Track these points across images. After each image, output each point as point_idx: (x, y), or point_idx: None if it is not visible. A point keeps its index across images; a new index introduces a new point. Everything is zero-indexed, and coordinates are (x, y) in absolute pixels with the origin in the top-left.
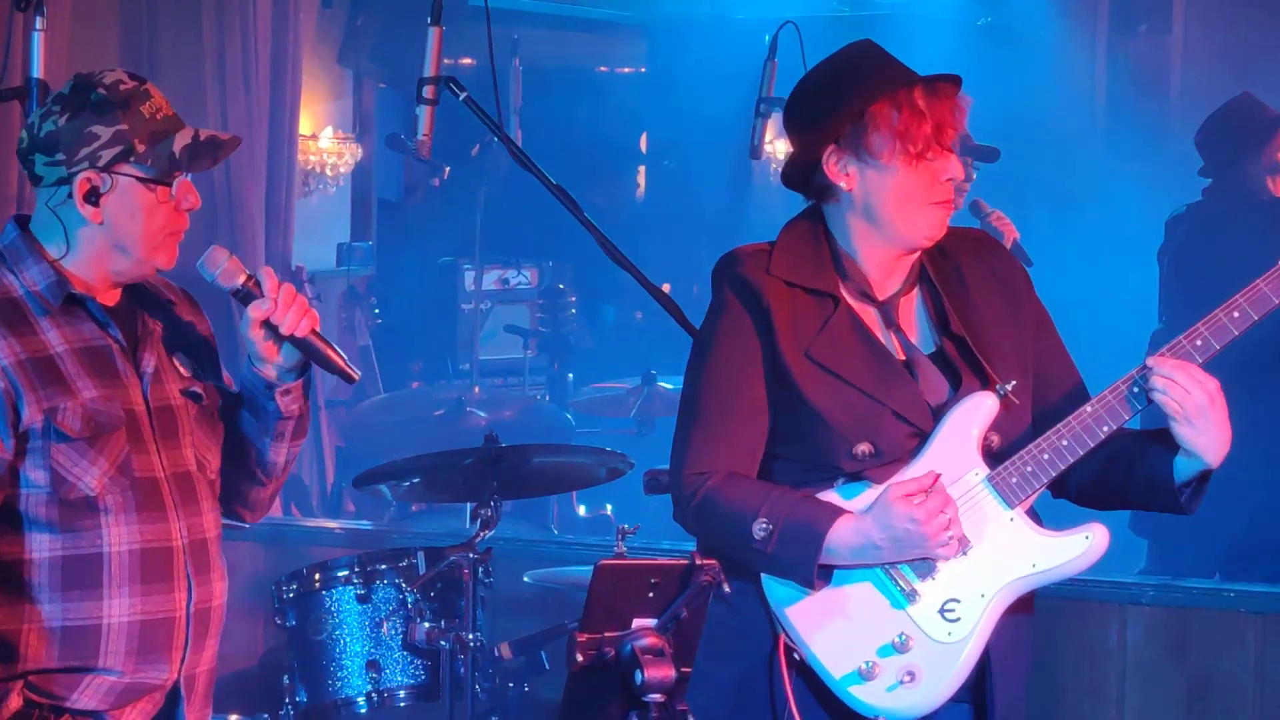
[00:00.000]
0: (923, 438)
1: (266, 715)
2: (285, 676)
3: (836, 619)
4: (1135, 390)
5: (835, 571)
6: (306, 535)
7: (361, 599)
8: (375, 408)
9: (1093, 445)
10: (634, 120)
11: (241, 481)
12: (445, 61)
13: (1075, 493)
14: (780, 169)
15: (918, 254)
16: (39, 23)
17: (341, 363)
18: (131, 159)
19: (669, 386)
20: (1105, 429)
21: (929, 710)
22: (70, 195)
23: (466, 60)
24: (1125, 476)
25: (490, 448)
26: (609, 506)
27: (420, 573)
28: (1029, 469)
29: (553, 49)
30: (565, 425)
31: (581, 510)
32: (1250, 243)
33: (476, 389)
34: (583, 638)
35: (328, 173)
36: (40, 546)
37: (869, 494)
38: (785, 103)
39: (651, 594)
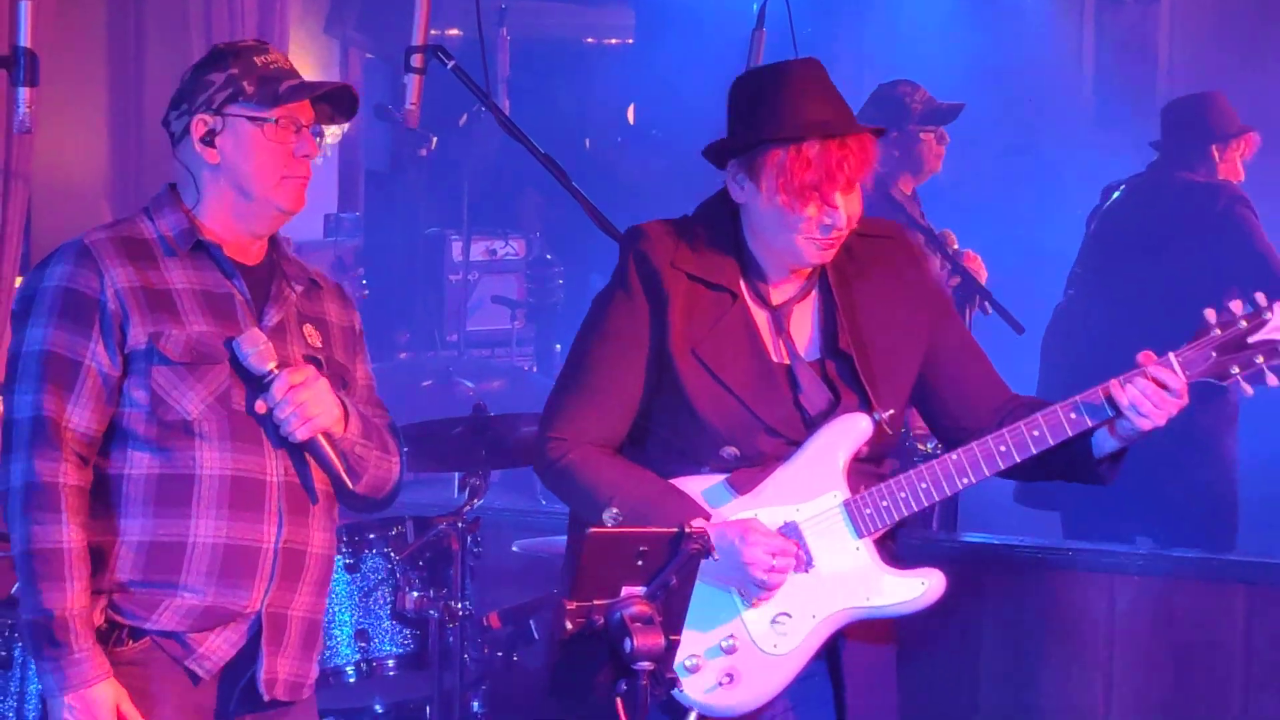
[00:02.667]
0: (794, 446)
1: None
2: None
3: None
4: (1002, 449)
5: None
6: None
7: (350, 568)
8: None
9: (949, 492)
10: (622, 92)
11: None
12: (432, 32)
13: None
14: None
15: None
16: None
17: (339, 469)
18: (240, 99)
19: None
20: (965, 480)
21: (741, 713)
22: (192, 141)
23: (453, 31)
24: (1041, 455)
25: (479, 417)
26: None
27: (409, 542)
28: (884, 504)
29: (540, 20)
30: None
31: None
32: (1175, 221)
33: (464, 359)
34: (572, 606)
35: None
36: (138, 463)
37: (732, 503)
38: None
39: (640, 562)
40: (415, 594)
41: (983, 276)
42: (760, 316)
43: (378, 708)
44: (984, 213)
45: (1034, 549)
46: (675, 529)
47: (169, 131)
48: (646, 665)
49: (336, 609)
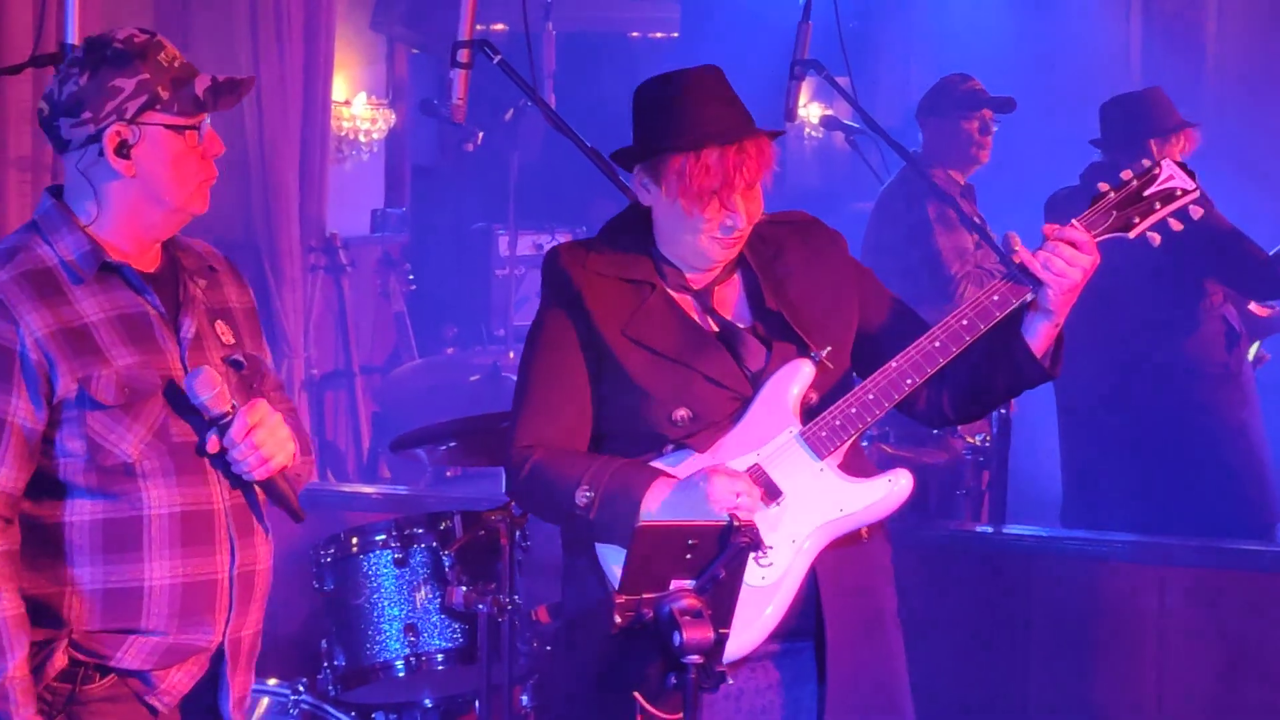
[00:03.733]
0: (743, 403)
1: (305, 679)
2: (323, 640)
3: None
4: (937, 344)
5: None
6: (343, 500)
7: (399, 563)
8: (410, 374)
9: (897, 398)
10: None
11: None
12: (477, 28)
13: (954, 413)
14: (813, 132)
15: None
16: None
17: (294, 504)
18: (158, 106)
19: None
20: (909, 382)
21: (745, 653)
22: (101, 153)
23: (498, 26)
24: (988, 371)
25: None
26: None
27: (457, 536)
28: (837, 423)
29: (585, 14)
30: None
31: None
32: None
33: (511, 354)
34: (621, 599)
35: (361, 139)
36: (80, 510)
37: (692, 461)
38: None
39: (689, 556)
40: (464, 588)
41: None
42: (685, 300)
43: (426, 702)
44: (1030, 204)
45: (1083, 540)
46: (723, 522)
47: (58, 138)
48: (695, 659)
49: (385, 603)
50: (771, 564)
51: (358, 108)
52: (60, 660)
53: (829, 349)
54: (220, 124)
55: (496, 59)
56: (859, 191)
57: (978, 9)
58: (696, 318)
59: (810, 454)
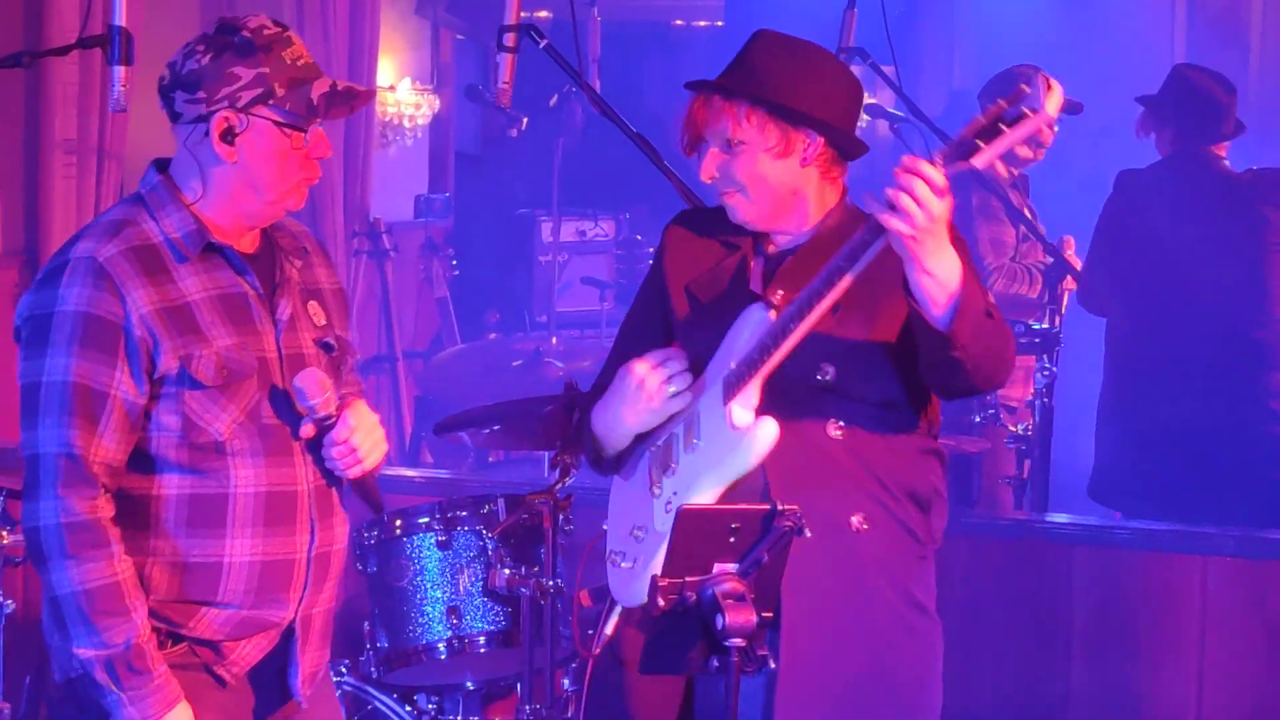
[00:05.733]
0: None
1: (347, 661)
2: (366, 622)
3: (617, 509)
4: (818, 283)
5: (627, 465)
6: (385, 483)
7: (442, 545)
8: (453, 358)
9: (785, 340)
10: (711, 73)
11: None
12: (521, 14)
13: (940, 390)
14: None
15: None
16: None
17: (376, 499)
18: (270, 102)
19: None
20: (793, 325)
21: (637, 602)
22: (207, 134)
23: (542, 14)
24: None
25: (570, 395)
26: None
27: (500, 520)
28: (739, 370)
29: (629, 1)
30: None
31: None
32: (1205, 214)
33: (554, 340)
34: (664, 582)
35: (405, 124)
36: (168, 485)
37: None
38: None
39: (733, 539)
40: (507, 571)
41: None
42: (756, 264)
43: (468, 684)
44: (1072, 198)
45: (1125, 530)
46: (767, 506)
47: (172, 108)
48: (738, 642)
49: (428, 586)
50: (671, 511)
51: (402, 93)
52: None
53: (780, 293)
54: None
55: (543, 43)
56: None
57: (1020, 2)
58: (753, 281)
59: (720, 398)
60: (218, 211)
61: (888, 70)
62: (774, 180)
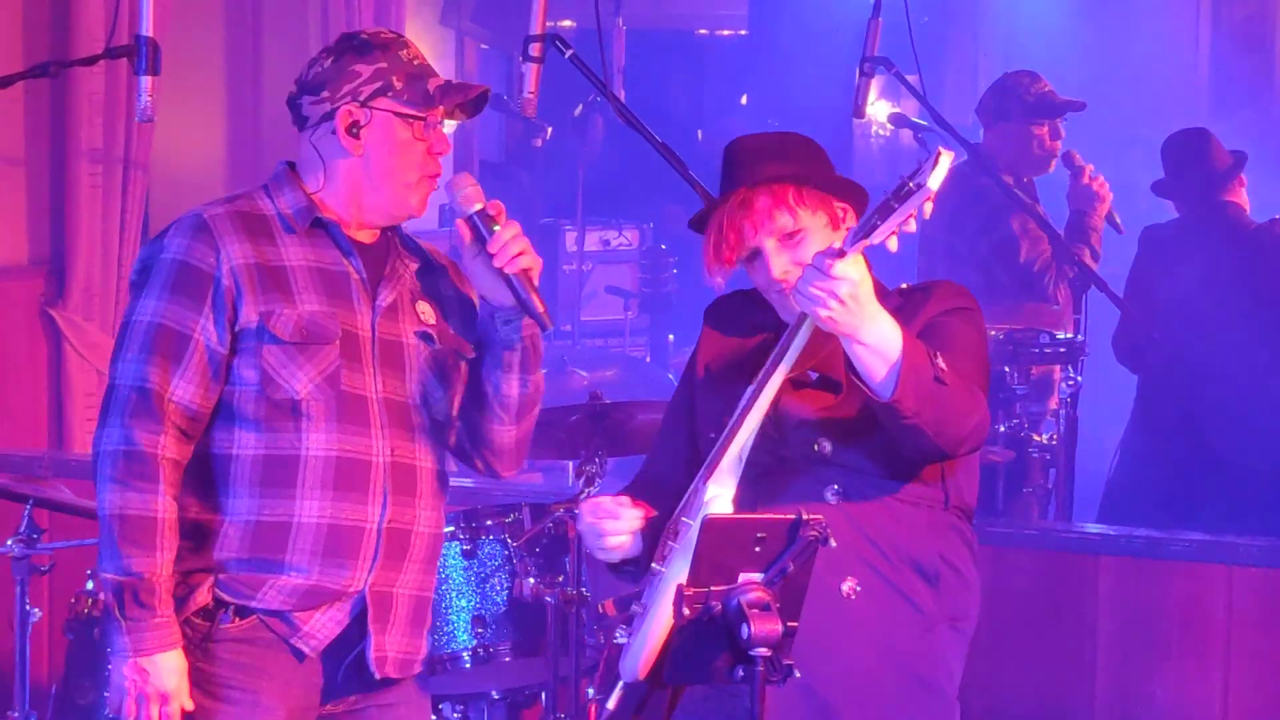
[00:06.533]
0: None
1: None
2: None
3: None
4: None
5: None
6: None
7: (467, 554)
8: None
9: (744, 421)
10: (735, 83)
11: (484, 421)
12: (546, 23)
13: (912, 453)
14: (880, 130)
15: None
16: None
17: (540, 307)
18: (389, 94)
19: None
20: (750, 402)
21: (634, 675)
22: (333, 130)
23: (566, 23)
24: None
25: (595, 405)
26: None
27: (525, 528)
28: (716, 449)
29: (653, 11)
30: (666, 385)
31: None
32: (1231, 267)
33: (579, 349)
34: (689, 592)
35: None
36: (245, 444)
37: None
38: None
39: (758, 549)
40: (532, 580)
41: (1106, 198)
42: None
43: (493, 694)
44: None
45: (1150, 538)
46: (793, 515)
47: (299, 115)
48: (763, 652)
49: (453, 595)
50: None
51: None
52: (203, 596)
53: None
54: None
55: (569, 53)
56: None
57: (1046, 9)
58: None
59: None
60: (338, 202)
61: (912, 79)
62: None
